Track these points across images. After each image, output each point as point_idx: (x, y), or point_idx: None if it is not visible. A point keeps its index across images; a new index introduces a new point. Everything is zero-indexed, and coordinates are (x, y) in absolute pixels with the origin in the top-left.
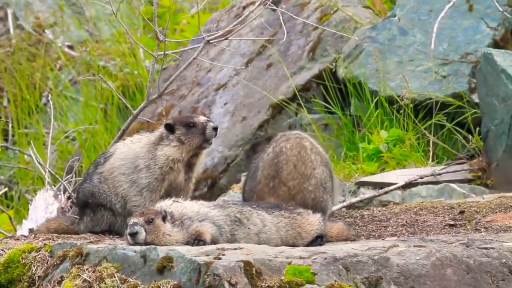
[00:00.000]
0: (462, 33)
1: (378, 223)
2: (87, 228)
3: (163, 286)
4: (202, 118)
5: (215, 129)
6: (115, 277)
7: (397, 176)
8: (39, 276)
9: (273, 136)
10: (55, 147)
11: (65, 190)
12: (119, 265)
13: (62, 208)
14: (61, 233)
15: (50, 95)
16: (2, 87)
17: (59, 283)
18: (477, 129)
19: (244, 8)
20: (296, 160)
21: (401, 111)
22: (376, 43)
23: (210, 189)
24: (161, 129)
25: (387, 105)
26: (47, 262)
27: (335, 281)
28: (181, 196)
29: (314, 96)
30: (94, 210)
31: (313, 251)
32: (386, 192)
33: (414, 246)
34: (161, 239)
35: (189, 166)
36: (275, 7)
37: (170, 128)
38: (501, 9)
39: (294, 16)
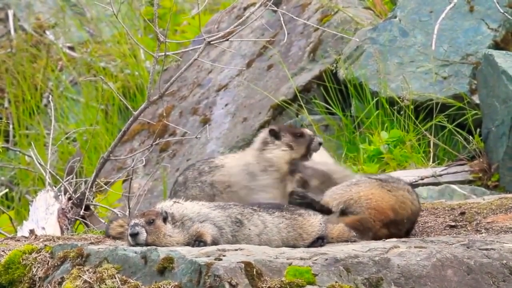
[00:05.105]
0: (463, 34)
1: None
2: None
3: (163, 287)
4: (308, 131)
5: (320, 144)
6: (115, 278)
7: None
8: (39, 277)
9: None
10: (56, 148)
11: (65, 191)
12: (119, 266)
13: (63, 209)
14: None
15: (51, 96)
16: (3, 88)
17: (60, 284)
18: (478, 130)
19: (245, 9)
20: None
21: (401, 112)
22: (377, 44)
23: None
24: (263, 135)
25: (387, 106)
26: (48, 263)
27: (336, 282)
28: None
29: (315, 97)
30: None
31: (314, 252)
32: None
33: (415, 247)
34: (161, 240)
35: None
36: (275, 8)
37: (274, 134)
38: (502, 10)
39: (295, 17)
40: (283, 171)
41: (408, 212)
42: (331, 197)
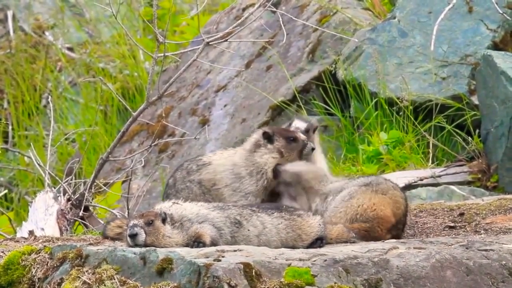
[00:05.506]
0: (462, 35)
1: None
2: None
3: None
4: (302, 136)
5: (313, 149)
6: (114, 279)
7: (397, 178)
8: (38, 278)
9: None
10: (55, 149)
11: (65, 192)
12: (118, 267)
13: (62, 210)
14: None
15: (50, 97)
16: (2, 89)
17: (59, 285)
18: (477, 131)
19: (243, 9)
20: None
21: (400, 113)
22: (376, 44)
23: None
24: (257, 136)
25: (386, 107)
26: (47, 264)
27: (335, 283)
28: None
29: (314, 97)
30: None
31: (313, 253)
32: None
33: (414, 248)
34: (160, 241)
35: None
36: (274, 9)
37: (268, 137)
38: (500, 11)
39: (294, 18)
40: (269, 177)
41: (402, 209)
42: (336, 216)
